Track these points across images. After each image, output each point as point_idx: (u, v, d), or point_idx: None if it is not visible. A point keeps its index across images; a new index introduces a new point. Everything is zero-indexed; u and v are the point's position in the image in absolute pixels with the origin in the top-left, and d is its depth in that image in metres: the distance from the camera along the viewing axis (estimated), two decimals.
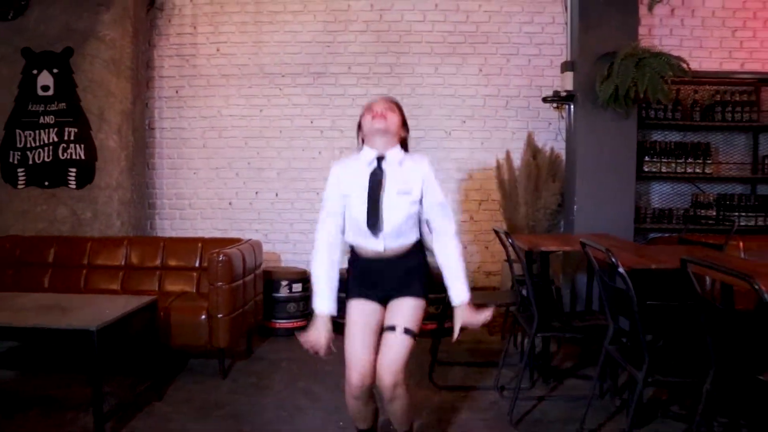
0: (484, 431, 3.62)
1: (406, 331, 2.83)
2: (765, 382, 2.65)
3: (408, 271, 2.94)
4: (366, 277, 2.98)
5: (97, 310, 3.83)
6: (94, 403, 3.45)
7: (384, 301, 2.98)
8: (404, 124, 3.03)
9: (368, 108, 2.97)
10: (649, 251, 4.08)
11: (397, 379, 2.79)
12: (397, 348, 2.81)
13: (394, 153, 2.93)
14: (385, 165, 2.91)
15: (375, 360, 2.84)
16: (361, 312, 2.94)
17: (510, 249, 4.39)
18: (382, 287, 2.95)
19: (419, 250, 3.00)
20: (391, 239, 2.89)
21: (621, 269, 2.90)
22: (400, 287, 2.93)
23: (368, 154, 2.93)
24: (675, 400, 4.14)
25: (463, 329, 2.91)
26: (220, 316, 4.57)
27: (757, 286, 2.10)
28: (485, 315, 2.86)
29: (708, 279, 4.09)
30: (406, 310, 2.89)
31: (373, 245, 2.90)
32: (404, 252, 2.94)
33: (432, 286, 3.05)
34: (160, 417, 3.91)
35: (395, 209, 2.86)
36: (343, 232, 3.00)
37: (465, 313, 2.88)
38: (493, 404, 4.14)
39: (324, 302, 2.91)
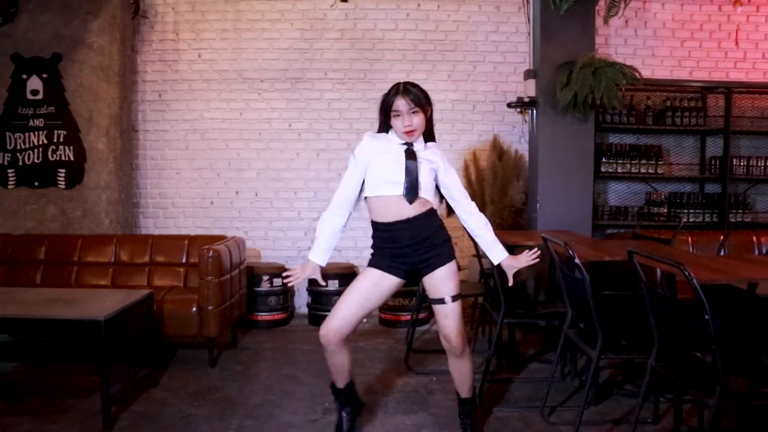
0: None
1: (454, 298, 3.20)
2: (701, 358, 3.07)
3: (431, 240, 3.20)
4: (389, 247, 3.24)
5: (99, 302, 4.07)
6: (103, 388, 3.71)
7: (412, 274, 3.29)
8: (430, 117, 3.28)
9: (398, 109, 3.16)
10: (605, 245, 4.45)
11: (462, 338, 3.25)
12: (453, 315, 3.21)
13: (418, 143, 3.26)
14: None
15: (346, 325, 3.20)
16: (369, 282, 3.26)
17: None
18: (410, 259, 3.23)
19: (435, 216, 3.28)
20: (416, 205, 3.17)
21: (577, 260, 3.30)
22: (429, 260, 3.21)
23: (397, 140, 3.23)
24: (628, 380, 4.57)
25: (516, 275, 3.37)
26: (210, 308, 4.85)
27: (687, 273, 2.50)
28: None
29: (658, 271, 4.51)
30: (446, 281, 3.21)
31: (397, 207, 3.18)
32: (424, 215, 3.20)
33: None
34: (158, 401, 4.21)
35: (422, 174, 3.19)
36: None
37: (511, 262, 3.32)
38: None
39: (317, 255, 3.31)
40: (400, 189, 3.14)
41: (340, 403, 3.56)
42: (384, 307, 6.15)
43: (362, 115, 6.52)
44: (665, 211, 6.34)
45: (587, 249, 4.10)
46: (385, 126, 3.27)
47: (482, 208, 5.92)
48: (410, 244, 3.19)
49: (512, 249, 4.89)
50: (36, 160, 5.93)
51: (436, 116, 6.29)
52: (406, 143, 3.21)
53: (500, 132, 6.53)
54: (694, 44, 6.66)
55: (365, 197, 3.29)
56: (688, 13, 6.63)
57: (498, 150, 6.24)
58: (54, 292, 4.51)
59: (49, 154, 5.92)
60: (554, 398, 4.18)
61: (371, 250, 3.36)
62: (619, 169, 6.25)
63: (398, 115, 3.16)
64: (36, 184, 5.94)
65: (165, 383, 4.56)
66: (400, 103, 3.16)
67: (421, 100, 3.19)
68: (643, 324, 3.23)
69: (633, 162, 6.25)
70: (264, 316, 6.13)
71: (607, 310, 3.77)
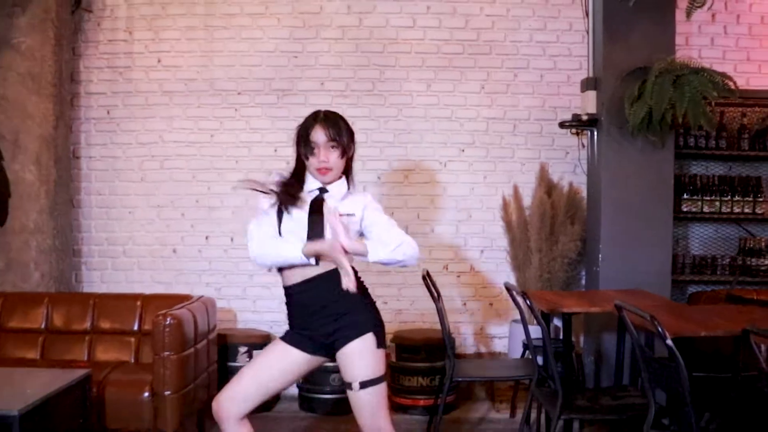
0: None
1: (363, 385, 3.17)
2: None
3: (336, 307, 3.23)
4: (296, 314, 3.36)
5: (17, 388, 3.88)
6: None
7: (324, 351, 3.33)
8: (350, 159, 3.40)
9: (315, 140, 3.25)
10: (695, 313, 4.24)
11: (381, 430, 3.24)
12: (363, 407, 3.20)
13: (337, 187, 3.37)
14: (327, 196, 3.31)
15: (241, 402, 3.27)
16: (271, 355, 3.38)
17: (526, 311, 4.52)
18: (316, 330, 3.29)
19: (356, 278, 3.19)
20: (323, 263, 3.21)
21: (669, 341, 3.02)
22: (335, 332, 3.24)
23: (311, 184, 3.34)
24: None
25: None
26: (167, 393, 4.66)
27: None
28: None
29: (763, 347, 4.24)
30: (356, 360, 3.21)
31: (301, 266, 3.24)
32: (327, 274, 3.21)
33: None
34: None
35: (336, 230, 3.11)
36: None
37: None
38: None
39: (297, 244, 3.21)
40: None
41: None
42: (398, 388, 5.81)
43: (369, 137, 6.31)
44: (766, 262, 6.07)
45: (674, 319, 3.89)
46: (300, 162, 3.39)
47: (526, 260, 5.98)
48: (316, 310, 3.27)
49: (570, 317, 4.70)
50: None
51: (464, 139, 6.35)
52: (318, 188, 3.32)
53: (549, 160, 6.34)
54: None
55: None
56: None
57: (546, 183, 6.09)
58: None
59: None
60: None
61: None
62: (705, 208, 6.03)
63: (314, 149, 3.27)
64: None
65: None
66: (318, 135, 3.26)
67: (342, 134, 3.30)
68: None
69: (723, 199, 6.04)
70: None
71: (698, 398, 3.50)
